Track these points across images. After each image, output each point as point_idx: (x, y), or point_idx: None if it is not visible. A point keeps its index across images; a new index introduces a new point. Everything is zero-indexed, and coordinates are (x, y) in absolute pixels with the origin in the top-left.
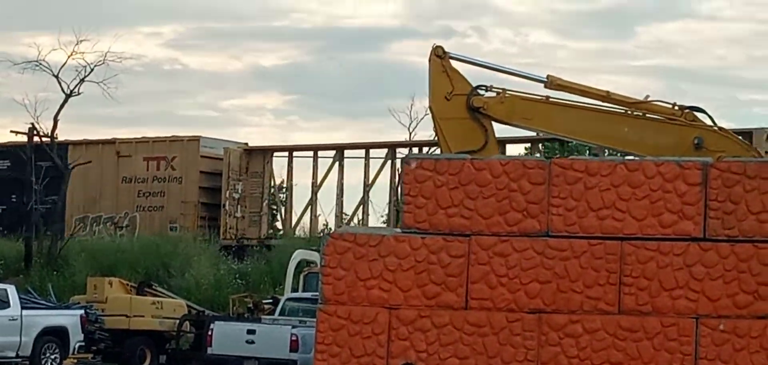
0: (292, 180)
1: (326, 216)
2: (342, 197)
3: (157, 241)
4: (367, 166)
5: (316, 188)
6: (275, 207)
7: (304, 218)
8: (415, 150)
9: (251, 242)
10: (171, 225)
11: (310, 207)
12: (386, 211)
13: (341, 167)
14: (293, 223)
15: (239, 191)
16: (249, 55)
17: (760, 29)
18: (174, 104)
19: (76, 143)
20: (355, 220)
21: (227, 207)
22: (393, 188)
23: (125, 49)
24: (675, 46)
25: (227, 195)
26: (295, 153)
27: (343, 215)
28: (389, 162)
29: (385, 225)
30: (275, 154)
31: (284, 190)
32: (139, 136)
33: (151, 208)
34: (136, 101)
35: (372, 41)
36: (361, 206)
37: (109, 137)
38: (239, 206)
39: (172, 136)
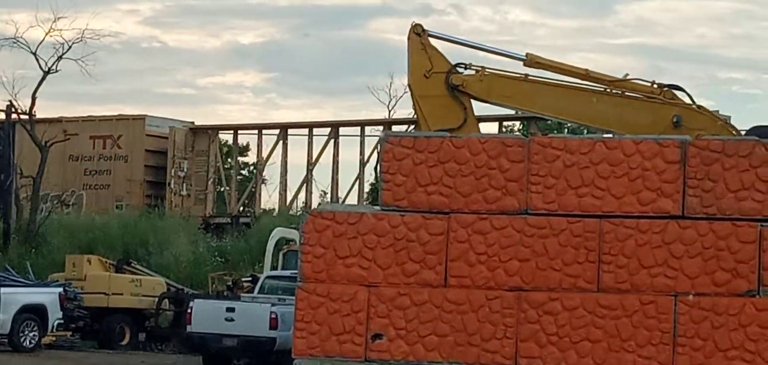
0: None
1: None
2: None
3: (136, 219)
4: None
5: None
6: (221, 185)
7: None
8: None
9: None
10: (117, 203)
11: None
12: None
13: (285, 145)
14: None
15: (185, 170)
16: (227, 33)
17: (740, 7)
18: (152, 81)
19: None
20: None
21: (172, 186)
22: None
23: (103, 27)
24: (655, 24)
25: (172, 174)
26: (239, 132)
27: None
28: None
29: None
30: (220, 132)
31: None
32: (85, 115)
33: (98, 186)
34: (114, 78)
35: (351, 19)
36: (306, 184)
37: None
38: (185, 185)
39: (118, 115)
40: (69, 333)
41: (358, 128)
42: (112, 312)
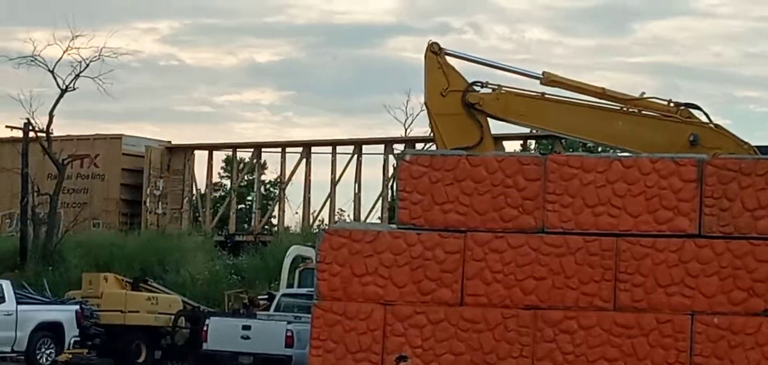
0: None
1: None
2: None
3: (153, 237)
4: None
5: (283, 185)
6: (197, 204)
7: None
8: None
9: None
10: (94, 222)
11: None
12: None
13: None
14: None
15: (160, 188)
16: (244, 51)
17: (756, 27)
18: (170, 99)
19: (4, 141)
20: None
21: (148, 204)
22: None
23: (121, 45)
24: (671, 43)
25: (148, 192)
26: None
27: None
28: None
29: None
30: (196, 151)
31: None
32: (64, 134)
33: (75, 204)
34: (132, 96)
35: (367, 37)
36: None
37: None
38: (160, 203)
39: (96, 134)
40: (85, 351)
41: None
42: (128, 329)
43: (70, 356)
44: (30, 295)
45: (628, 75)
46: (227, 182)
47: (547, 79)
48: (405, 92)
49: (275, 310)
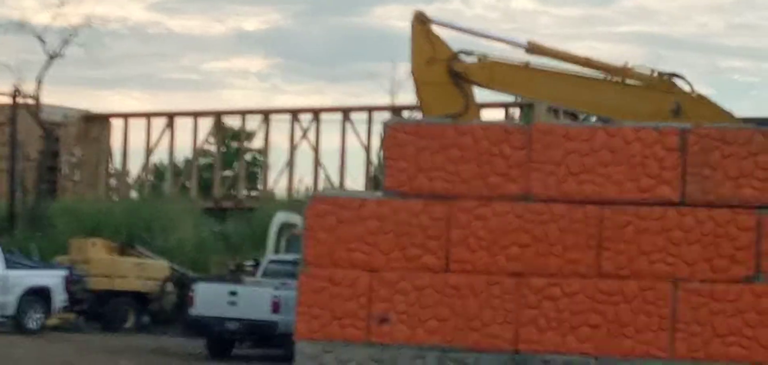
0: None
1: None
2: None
3: (141, 203)
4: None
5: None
6: (113, 171)
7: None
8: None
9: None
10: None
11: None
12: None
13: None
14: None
15: (77, 156)
16: (231, 19)
17: None
18: (157, 66)
19: None
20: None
21: (64, 171)
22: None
23: (109, 12)
24: (656, 13)
25: (63, 160)
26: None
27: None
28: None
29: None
30: (112, 119)
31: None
32: None
33: None
34: (120, 63)
35: (355, 5)
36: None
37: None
38: (76, 171)
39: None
40: (73, 316)
41: (341, 114)
42: (116, 294)
43: (59, 321)
44: (18, 260)
45: (613, 45)
46: (214, 149)
47: (533, 49)
48: (391, 60)
49: (262, 276)
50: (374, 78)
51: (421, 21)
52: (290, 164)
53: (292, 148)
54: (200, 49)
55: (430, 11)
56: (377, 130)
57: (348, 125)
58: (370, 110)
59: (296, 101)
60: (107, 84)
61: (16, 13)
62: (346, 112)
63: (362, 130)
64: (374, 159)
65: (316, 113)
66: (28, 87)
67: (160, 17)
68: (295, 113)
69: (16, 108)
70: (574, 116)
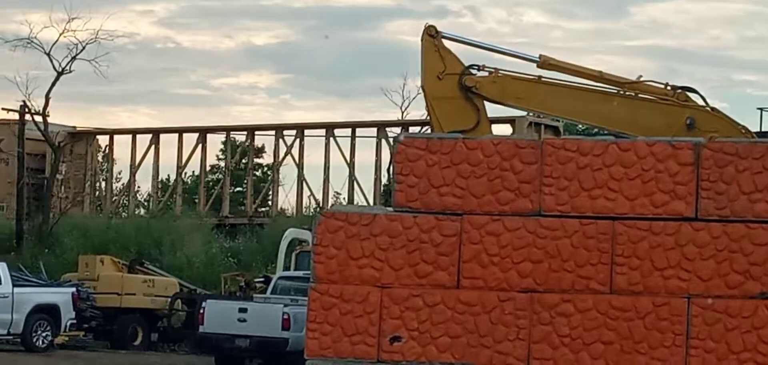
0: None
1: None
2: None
3: (149, 219)
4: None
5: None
6: (98, 187)
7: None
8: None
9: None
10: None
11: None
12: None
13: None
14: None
15: (63, 172)
16: (241, 34)
17: (754, 10)
18: (166, 82)
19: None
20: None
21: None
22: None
23: (118, 28)
24: (669, 26)
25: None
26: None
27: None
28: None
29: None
30: (98, 136)
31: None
32: None
33: None
34: (129, 79)
35: (365, 20)
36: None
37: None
38: (63, 187)
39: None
40: (82, 333)
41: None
42: (124, 312)
43: (67, 339)
44: (26, 278)
45: (625, 58)
46: (223, 165)
47: (544, 63)
48: (402, 75)
49: (272, 293)
50: (386, 93)
51: (431, 35)
52: (300, 180)
53: (301, 164)
54: (210, 64)
55: (441, 26)
56: (386, 145)
57: (358, 141)
58: (379, 126)
59: (307, 117)
60: (115, 100)
61: (24, 28)
62: (353, 128)
63: (372, 145)
64: (383, 175)
65: (326, 127)
66: (37, 103)
67: (169, 33)
68: (302, 129)
69: (24, 125)
70: (556, 131)
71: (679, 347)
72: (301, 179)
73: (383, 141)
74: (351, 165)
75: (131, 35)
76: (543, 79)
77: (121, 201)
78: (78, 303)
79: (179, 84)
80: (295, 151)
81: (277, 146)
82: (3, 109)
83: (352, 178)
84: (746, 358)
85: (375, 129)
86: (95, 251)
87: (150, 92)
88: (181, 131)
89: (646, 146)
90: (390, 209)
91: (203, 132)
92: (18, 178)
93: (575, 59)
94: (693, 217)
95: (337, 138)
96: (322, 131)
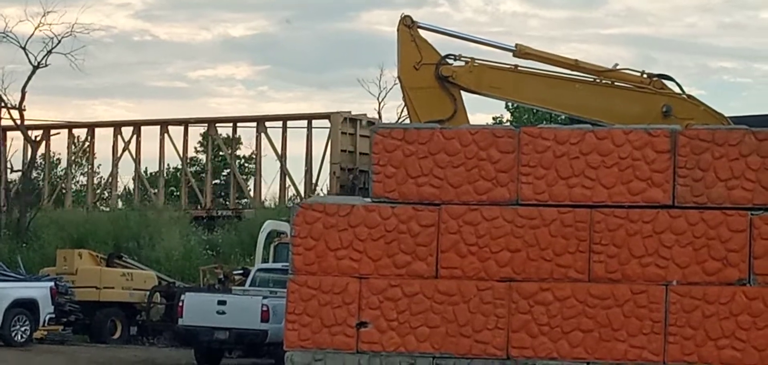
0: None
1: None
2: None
3: (127, 212)
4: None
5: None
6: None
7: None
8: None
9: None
10: None
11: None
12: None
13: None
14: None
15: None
16: (218, 26)
17: None
18: (143, 75)
19: None
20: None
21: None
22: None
23: (94, 21)
24: (645, 14)
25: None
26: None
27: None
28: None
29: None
30: (8, 132)
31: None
32: None
33: None
34: (106, 72)
35: (343, 10)
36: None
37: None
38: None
39: None
40: (60, 328)
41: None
42: (103, 305)
43: (46, 333)
44: (4, 272)
45: (602, 47)
46: (203, 157)
47: (521, 52)
48: (379, 65)
49: (251, 285)
50: (362, 84)
51: (407, 25)
52: (282, 172)
53: (285, 155)
54: (187, 56)
55: (418, 15)
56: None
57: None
58: (308, 119)
59: (285, 108)
60: (93, 94)
61: (0, 22)
62: (309, 119)
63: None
64: (316, 167)
65: (257, 121)
66: (13, 98)
67: (145, 25)
68: (261, 121)
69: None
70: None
71: (657, 334)
72: (284, 171)
73: (313, 133)
74: (283, 158)
75: (108, 28)
76: (519, 68)
77: (101, 195)
78: (56, 297)
79: (156, 77)
80: (249, 144)
81: (258, 137)
82: None
83: (283, 171)
84: (724, 344)
85: (305, 121)
86: (73, 246)
87: (127, 85)
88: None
89: (622, 134)
90: (368, 199)
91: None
92: None
93: (552, 48)
94: (670, 204)
95: (289, 130)
96: (278, 123)
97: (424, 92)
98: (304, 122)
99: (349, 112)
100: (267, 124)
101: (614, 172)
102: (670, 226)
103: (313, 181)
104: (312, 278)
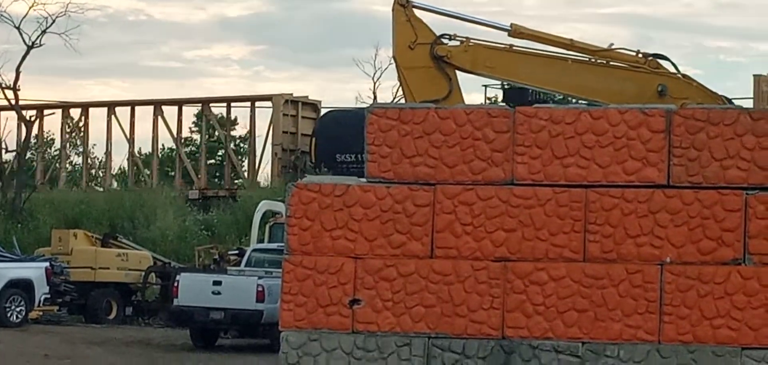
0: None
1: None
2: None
3: (122, 193)
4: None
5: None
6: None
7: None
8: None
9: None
10: None
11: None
12: None
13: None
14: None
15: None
16: (213, 5)
17: None
18: (138, 54)
19: None
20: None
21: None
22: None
23: (88, 0)
24: None
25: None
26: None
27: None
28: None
29: None
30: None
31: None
32: None
33: None
34: (101, 52)
35: None
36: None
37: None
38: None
39: None
40: (56, 308)
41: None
42: (98, 286)
43: (41, 313)
44: None
45: (599, 26)
46: (197, 137)
47: (516, 32)
48: (375, 45)
49: (246, 265)
50: (358, 64)
51: (402, 5)
52: (273, 151)
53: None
54: (182, 36)
55: None
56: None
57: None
58: (203, 102)
59: (280, 88)
60: (88, 74)
61: None
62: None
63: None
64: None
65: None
66: (7, 78)
67: (140, 5)
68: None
69: None
70: (314, 108)
71: (652, 314)
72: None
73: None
74: (178, 140)
75: (102, 8)
76: (514, 48)
77: (96, 175)
78: (52, 277)
79: (151, 56)
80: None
81: (253, 116)
82: None
83: (177, 152)
84: (720, 324)
85: (248, 103)
86: (68, 226)
87: (122, 65)
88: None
89: (618, 114)
90: (363, 179)
91: (179, 104)
92: None
93: (549, 28)
94: (665, 184)
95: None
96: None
97: (419, 72)
98: (248, 104)
99: (291, 94)
100: (211, 105)
101: (609, 151)
102: (666, 206)
103: (257, 162)
104: (307, 258)
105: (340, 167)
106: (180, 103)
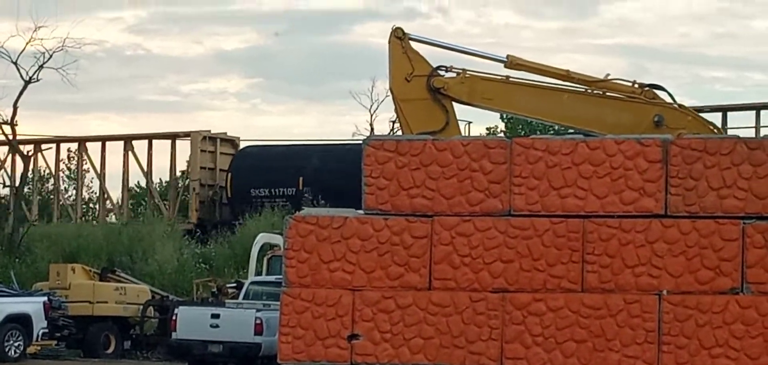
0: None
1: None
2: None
3: (120, 227)
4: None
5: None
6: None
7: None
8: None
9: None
10: None
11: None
12: None
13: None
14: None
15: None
16: (210, 39)
17: (723, 6)
18: (136, 89)
19: None
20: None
21: None
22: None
23: (86, 35)
24: (637, 24)
25: None
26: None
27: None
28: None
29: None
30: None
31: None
32: None
33: None
34: (99, 87)
35: (336, 23)
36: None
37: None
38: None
39: None
40: (54, 342)
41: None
42: (96, 320)
43: (39, 348)
44: None
45: (595, 57)
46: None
47: (512, 63)
48: (371, 78)
49: (244, 298)
50: (354, 97)
51: (399, 37)
52: (148, 187)
53: (151, 171)
54: (179, 70)
55: (410, 28)
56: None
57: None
58: (172, 137)
59: (278, 122)
60: (85, 108)
61: None
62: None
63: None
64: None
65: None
66: (5, 113)
67: (138, 39)
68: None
69: None
70: (233, 144)
71: (651, 343)
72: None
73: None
74: (149, 174)
75: (100, 42)
76: (511, 79)
77: (90, 209)
78: (50, 311)
79: (149, 91)
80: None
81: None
82: None
83: (148, 184)
84: (718, 353)
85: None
86: (66, 260)
87: (120, 99)
88: (150, 137)
89: (614, 144)
90: (361, 211)
91: (172, 137)
92: None
93: (545, 59)
94: (662, 214)
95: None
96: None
97: (415, 104)
98: (169, 141)
99: (209, 130)
100: (134, 142)
101: (606, 182)
102: (663, 235)
103: (179, 196)
104: (305, 290)
105: (255, 201)
106: (126, 139)
